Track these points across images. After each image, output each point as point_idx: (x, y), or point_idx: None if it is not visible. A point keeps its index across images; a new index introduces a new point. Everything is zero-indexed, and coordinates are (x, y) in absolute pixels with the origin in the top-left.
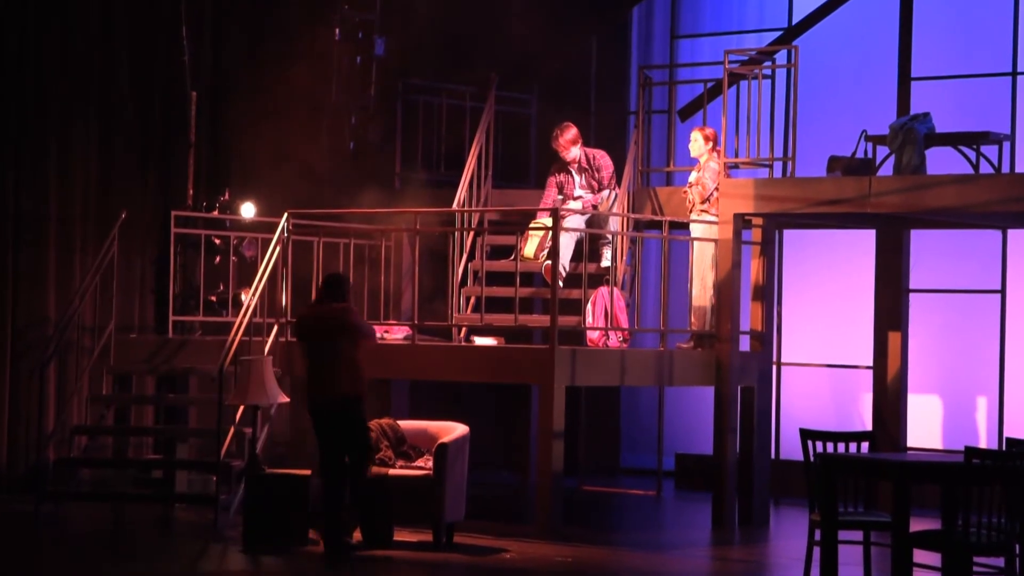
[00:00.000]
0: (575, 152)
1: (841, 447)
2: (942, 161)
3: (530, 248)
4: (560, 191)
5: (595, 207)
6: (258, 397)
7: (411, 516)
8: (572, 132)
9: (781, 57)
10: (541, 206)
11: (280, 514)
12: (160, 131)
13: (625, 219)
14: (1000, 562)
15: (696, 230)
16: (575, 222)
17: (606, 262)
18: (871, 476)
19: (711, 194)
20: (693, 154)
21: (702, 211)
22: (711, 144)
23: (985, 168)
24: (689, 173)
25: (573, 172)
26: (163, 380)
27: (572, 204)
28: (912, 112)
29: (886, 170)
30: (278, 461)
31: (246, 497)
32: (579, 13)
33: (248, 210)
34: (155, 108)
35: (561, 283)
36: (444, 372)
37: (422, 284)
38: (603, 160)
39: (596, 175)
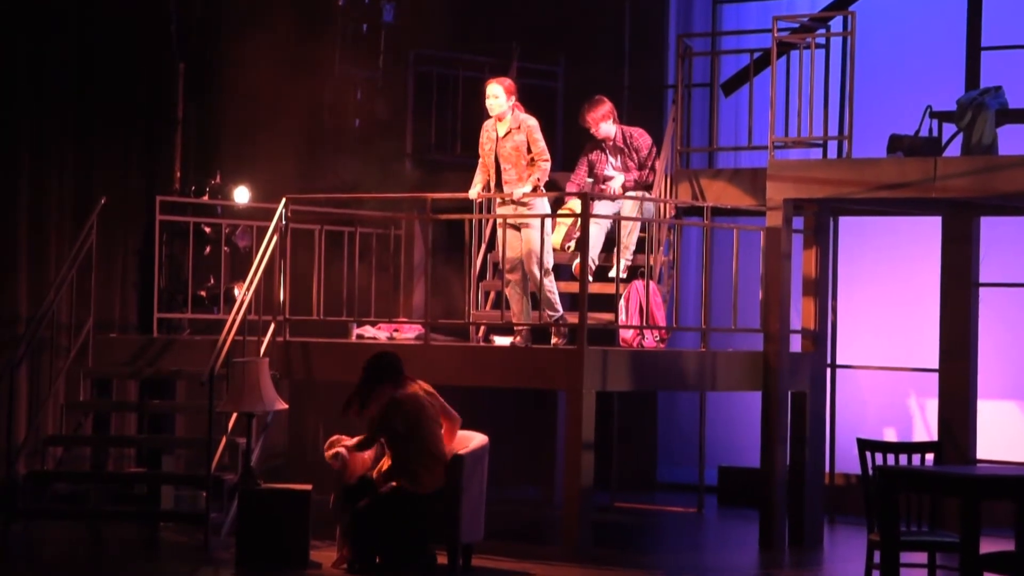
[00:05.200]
0: (607, 129)
1: (903, 459)
2: (1016, 140)
3: (556, 237)
4: (591, 171)
5: (636, 182)
6: (253, 403)
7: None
8: (603, 108)
9: (836, 24)
10: (568, 188)
11: (277, 533)
12: (144, 107)
13: (663, 205)
14: None
15: (537, 205)
16: (606, 208)
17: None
18: (937, 491)
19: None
20: (496, 112)
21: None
22: (514, 98)
23: None
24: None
25: (608, 151)
26: (147, 384)
27: (614, 183)
28: (982, 86)
29: (953, 150)
30: (275, 474)
31: (240, 515)
32: None
33: (242, 195)
34: (138, 82)
35: (591, 276)
36: (460, 376)
37: (435, 278)
38: (642, 140)
39: (634, 156)
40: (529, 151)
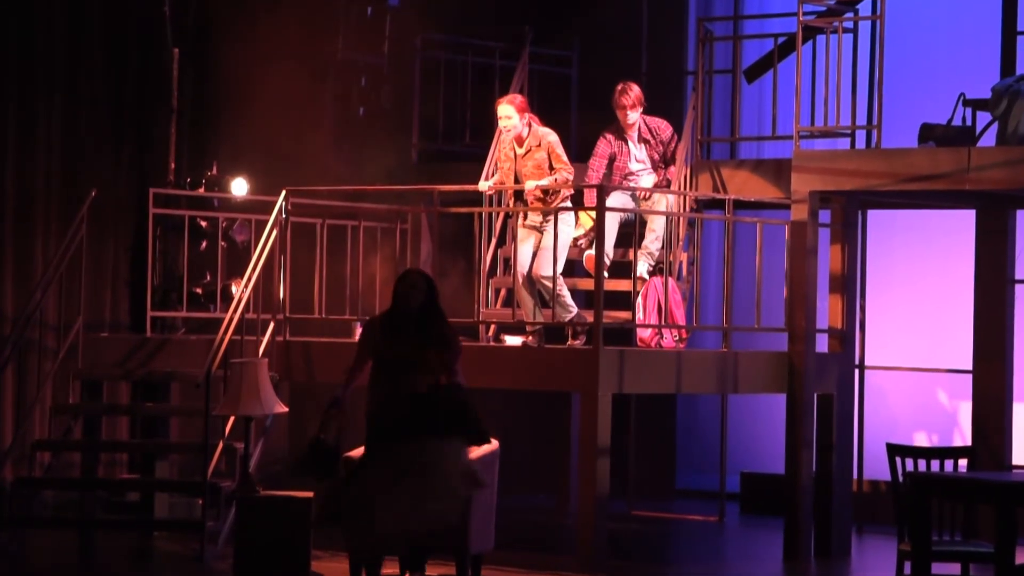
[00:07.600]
0: (635, 117)
1: (935, 465)
2: None
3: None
4: (610, 163)
5: (668, 182)
6: (251, 406)
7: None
8: (637, 92)
9: (865, 7)
10: (587, 181)
11: (276, 543)
12: (136, 95)
13: (682, 197)
14: None
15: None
16: (620, 200)
17: (655, 245)
18: (970, 499)
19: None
20: (512, 133)
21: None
22: (527, 114)
23: None
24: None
25: (631, 142)
26: (140, 386)
27: (643, 181)
28: (1019, 72)
29: (988, 140)
30: (274, 481)
31: (237, 523)
32: None
33: (240, 187)
34: (130, 68)
35: (606, 273)
36: (469, 377)
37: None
38: (669, 131)
39: (661, 148)
40: (551, 167)
